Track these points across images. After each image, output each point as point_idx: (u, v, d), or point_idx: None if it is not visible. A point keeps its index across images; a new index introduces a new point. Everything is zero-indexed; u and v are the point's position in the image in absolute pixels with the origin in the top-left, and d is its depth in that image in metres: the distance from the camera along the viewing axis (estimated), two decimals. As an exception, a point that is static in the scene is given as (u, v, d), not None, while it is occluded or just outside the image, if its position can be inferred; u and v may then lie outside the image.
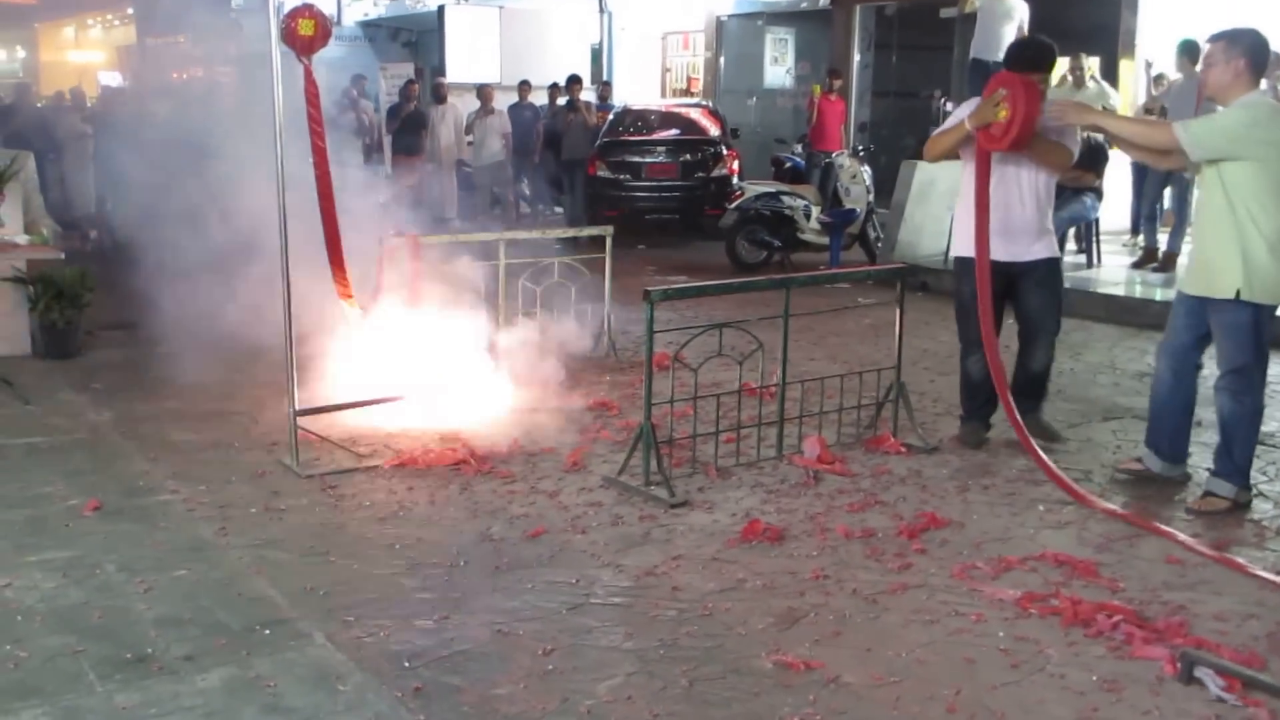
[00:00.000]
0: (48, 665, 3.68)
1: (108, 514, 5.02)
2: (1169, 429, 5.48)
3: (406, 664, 3.74)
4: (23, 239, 7.30)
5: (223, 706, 3.45)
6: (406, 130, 15.59)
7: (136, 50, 29.26)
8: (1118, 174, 11.76)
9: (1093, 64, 13.13)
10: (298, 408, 5.67)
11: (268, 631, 3.93)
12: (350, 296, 6.02)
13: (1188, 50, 10.35)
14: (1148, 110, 11.84)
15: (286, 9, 5.50)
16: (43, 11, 37.57)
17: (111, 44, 38.47)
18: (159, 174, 7.81)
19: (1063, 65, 13.11)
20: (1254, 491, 5.35)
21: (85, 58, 39.20)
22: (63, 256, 7.81)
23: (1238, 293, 5.01)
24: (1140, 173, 11.64)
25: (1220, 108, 5.23)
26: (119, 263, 8.20)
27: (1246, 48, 5.02)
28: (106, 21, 38.27)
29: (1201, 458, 5.72)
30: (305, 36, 5.45)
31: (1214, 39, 5.17)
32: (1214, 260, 5.11)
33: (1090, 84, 12.70)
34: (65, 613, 4.05)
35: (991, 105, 5.61)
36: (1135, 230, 12.34)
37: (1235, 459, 5.21)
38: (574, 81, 16.04)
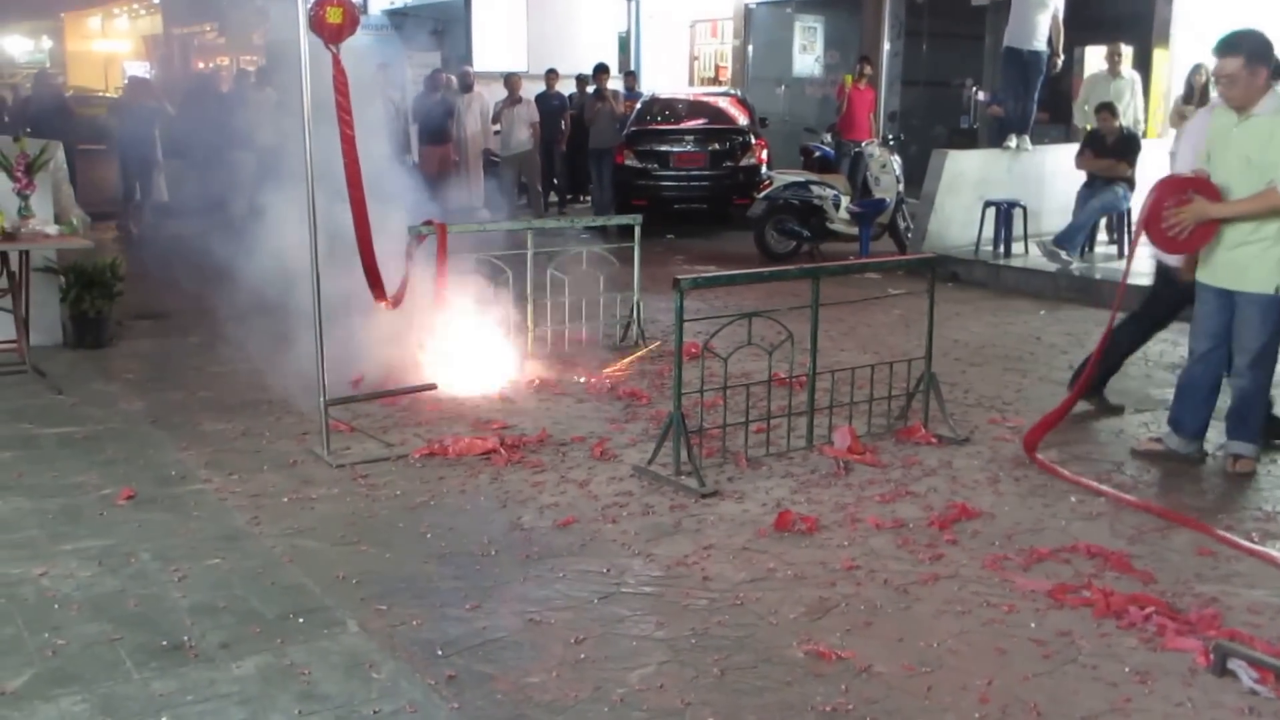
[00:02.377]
0: (85, 653, 3.72)
1: (141, 503, 5.06)
2: (1192, 405, 5.67)
3: (439, 652, 3.75)
4: (53, 229, 7.33)
5: (258, 694, 3.48)
6: (433, 119, 15.59)
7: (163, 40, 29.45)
8: (1150, 165, 11.65)
9: (1127, 54, 12.99)
10: (327, 397, 5.70)
11: (301, 620, 3.96)
12: (380, 287, 6.02)
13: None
14: (1186, 101, 11.66)
15: None
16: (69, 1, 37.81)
17: (137, 33, 38.70)
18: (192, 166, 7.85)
19: (1100, 53, 13.01)
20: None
21: (111, 47, 39.46)
22: (92, 246, 7.85)
23: (1277, 288, 5.20)
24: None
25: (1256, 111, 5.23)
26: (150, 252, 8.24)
27: (1258, 56, 5.14)
28: (133, 11, 38.47)
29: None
30: (333, 24, 5.45)
31: (1220, 53, 5.22)
32: (1248, 254, 5.25)
33: (1124, 74, 12.58)
34: (101, 601, 4.09)
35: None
36: None
37: (1250, 425, 5.56)
38: (601, 70, 16.02)
